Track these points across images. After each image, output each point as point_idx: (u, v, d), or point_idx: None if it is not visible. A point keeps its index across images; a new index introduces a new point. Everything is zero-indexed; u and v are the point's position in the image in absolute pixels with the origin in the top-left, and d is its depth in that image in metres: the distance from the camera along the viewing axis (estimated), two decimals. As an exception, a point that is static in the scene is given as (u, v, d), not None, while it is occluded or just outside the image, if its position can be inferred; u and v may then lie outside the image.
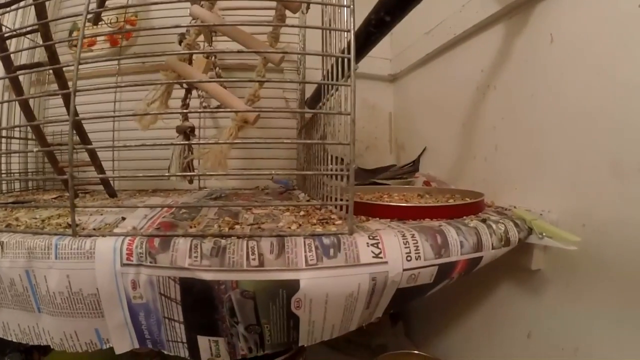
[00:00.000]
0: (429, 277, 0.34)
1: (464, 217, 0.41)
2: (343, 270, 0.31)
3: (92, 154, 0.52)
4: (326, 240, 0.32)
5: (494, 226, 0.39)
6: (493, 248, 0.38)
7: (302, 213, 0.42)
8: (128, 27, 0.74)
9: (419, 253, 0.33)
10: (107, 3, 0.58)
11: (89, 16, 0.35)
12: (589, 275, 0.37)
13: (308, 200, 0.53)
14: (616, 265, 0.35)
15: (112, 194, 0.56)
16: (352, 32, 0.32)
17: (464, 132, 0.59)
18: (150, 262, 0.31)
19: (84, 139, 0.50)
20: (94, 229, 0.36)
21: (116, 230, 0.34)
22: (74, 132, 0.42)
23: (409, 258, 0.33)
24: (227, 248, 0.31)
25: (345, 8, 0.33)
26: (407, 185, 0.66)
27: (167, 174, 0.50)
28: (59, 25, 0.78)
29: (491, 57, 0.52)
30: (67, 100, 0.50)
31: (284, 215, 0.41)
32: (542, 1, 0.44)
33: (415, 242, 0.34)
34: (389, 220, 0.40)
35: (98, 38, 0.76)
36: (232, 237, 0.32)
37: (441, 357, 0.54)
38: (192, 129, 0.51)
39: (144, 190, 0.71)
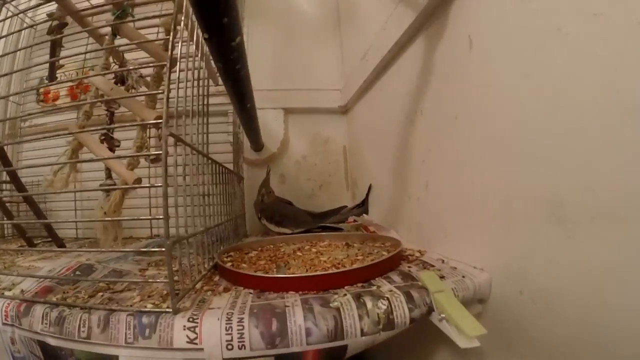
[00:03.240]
0: (261, 369, 0.30)
1: (344, 286, 0.34)
2: (156, 353, 0.30)
3: (29, 200, 0.56)
4: (145, 319, 0.31)
5: (369, 305, 0.31)
6: (363, 335, 0.31)
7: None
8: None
9: (243, 341, 0.30)
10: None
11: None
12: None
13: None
14: (560, 345, 0.26)
15: (60, 245, 0.60)
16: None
17: (397, 167, 0.47)
18: (18, 325, 0.36)
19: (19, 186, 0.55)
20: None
21: (8, 293, 0.40)
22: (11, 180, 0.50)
23: (229, 347, 0.29)
24: (67, 318, 0.33)
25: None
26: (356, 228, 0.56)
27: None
28: (29, 81, 0.91)
29: (415, 77, 0.41)
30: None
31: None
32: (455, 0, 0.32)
33: (240, 328, 0.30)
34: (252, 290, 0.36)
35: (60, 93, 0.88)
36: (76, 308, 0.34)
37: None
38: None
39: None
